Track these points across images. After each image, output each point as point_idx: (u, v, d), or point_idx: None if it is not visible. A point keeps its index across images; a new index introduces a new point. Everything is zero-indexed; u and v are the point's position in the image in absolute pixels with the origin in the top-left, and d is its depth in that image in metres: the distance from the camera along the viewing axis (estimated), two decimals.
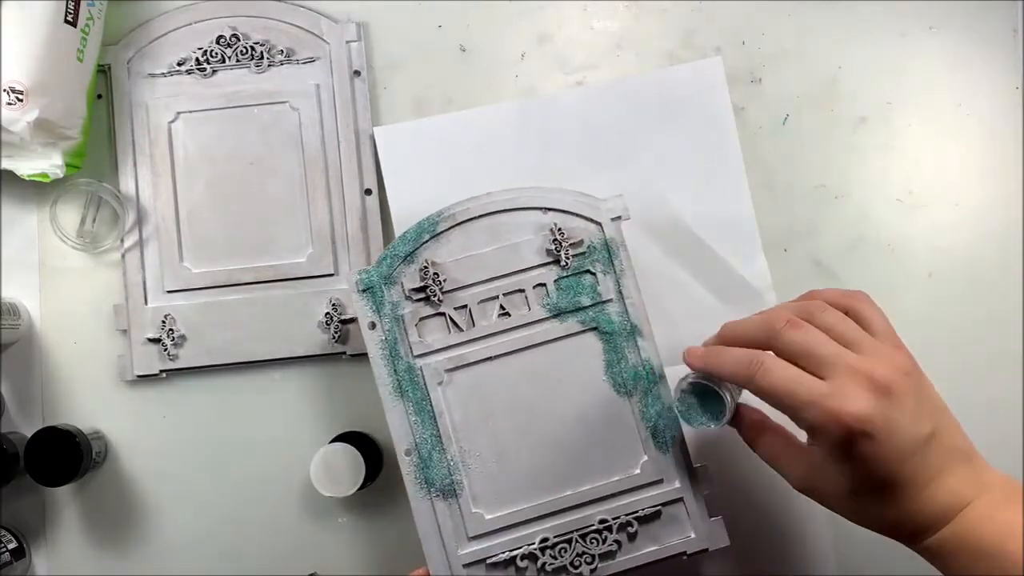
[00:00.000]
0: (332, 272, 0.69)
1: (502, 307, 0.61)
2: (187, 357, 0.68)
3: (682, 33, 0.72)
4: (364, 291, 0.62)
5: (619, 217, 0.62)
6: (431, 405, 0.60)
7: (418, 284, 0.61)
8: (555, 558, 0.59)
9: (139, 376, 0.68)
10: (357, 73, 0.71)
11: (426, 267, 0.62)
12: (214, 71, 0.71)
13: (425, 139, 0.70)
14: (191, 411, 0.69)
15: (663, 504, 0.59)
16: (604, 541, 0.59)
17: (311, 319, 0.68)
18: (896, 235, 0.70)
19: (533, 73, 0.72)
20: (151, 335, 0.68)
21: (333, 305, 0.68)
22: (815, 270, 0.70)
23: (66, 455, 0.63)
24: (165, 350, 0.68)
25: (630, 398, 0.60)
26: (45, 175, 0.67)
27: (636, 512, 0.59)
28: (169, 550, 0.68)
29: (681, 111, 0.70)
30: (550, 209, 0.62)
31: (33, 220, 0.70)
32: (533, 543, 0.59)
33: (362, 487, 0.63)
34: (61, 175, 0.67)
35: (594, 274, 0.61)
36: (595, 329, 0.61)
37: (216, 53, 0.70)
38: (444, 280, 0.61)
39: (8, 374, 0.69)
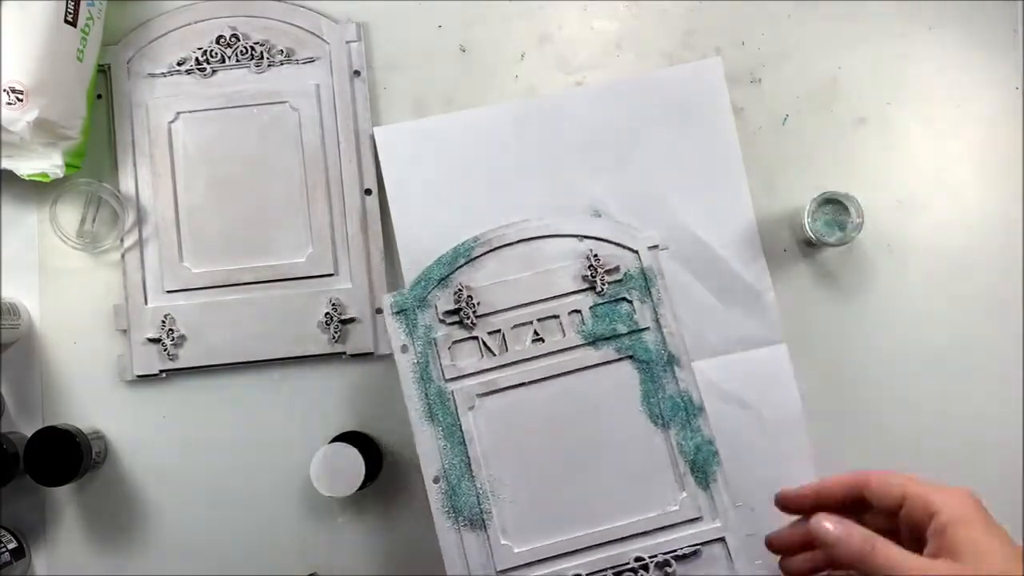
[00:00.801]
0: (332, 272, 0.69)
1: (536, 332, 0.61)
2: (187, 357, 0.68)
3: (682, 33, 0.72)
4: (398, 313, 0.62)
5: (656, 246, 0.61)
6: (461, 430, 0.60)
7: (452, 307, 0.61)
8: None
9: (139, 376, 0.68)
10: (357, 73, 0.71)
11: (460, 290, 0.61)
12: (214, 71, 0.71)
13: (425, 139, 0.70)
14: (191, 411, 0.69)
15: (703, 543, 0.57)
16: None
17: (311, 319, 0.68)
18: (896, 235, 0.70)
19: (533, 73, 0.72)
20: (151, 335, 0.68)
21: (333, 305, 0.68)
22: (815, 271, 0.70)
23: (66, 455, 0.63)
24: (165, 350, 0.68)
25: (667, 430, 0.59)
26: (45, 175, 0.67)
27: (674, 551, 0.57)
28: (169, 550, 0.68)
29: (681, 111, 0.70)
30: (586, 237, 0.62)
31: (33, 220, 0.70)
32: None
33: (362, 487, 0.63)
34: (61, 175, 0.67)
35: (630, 302, 0.61)
36: (631, 357, 0.60)
37: (216, 53, 0.70)
38: (478, 304, 0.61)
39: (8, 374, 0.69)
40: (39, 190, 0.70)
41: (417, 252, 0.69)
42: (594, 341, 0.60)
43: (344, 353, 0.68)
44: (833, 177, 0.70)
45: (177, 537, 0.68)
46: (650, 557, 0.57)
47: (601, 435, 0.59)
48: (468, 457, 0.59)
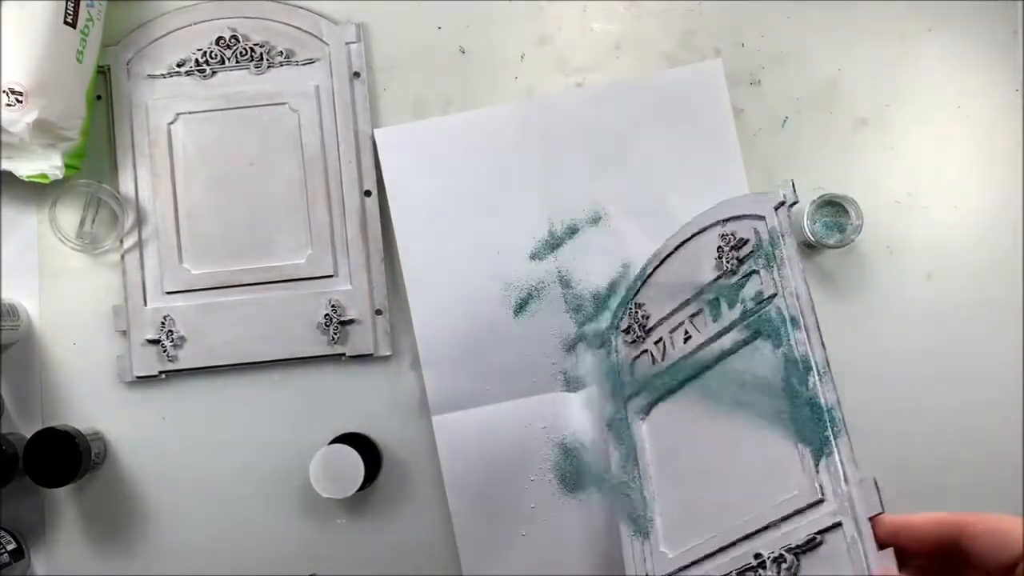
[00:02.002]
0: (331, 273, 0.69)
1: (686, 332, 0.59)
2: (186, 358, 0.68)
3: (681, 34, 0.72)
4: (601, 347, 0.64)
5: (783, 203, 0.53)
6: (635, 444, 0.61)
7: (626, 325, 0.63)
8: None
9: (138, 377, 0.68)
10: (357, 74, 0.71)
11: (632, 308, 0.63)
12: (214, 72, 0.71)
13: (425, 141, 0.70)
14: (190, 412, 0.69)
15: (820, 531, 0.46)
16: None
17: (310, 320, 0.68)
18: (895, 236, 0.70)
19: (533, 74, 0.72)
20: (150, 336, 0.68)
21: (332, 306, 0.68)
22: (815, 272, 0.70)
23: (65, 456, 0.62)
24: (164, 351, 0.68)
25: (794, 404, 0.50)
26: (45, 176, 0.67)
27: (789, 544, 0.47)
28: (168, 551, 0.68)
29: (681, 113, 0.70)
30: (727, 220, 0.57)
31: (33, 221, 0.70)
32: None
33: (361, 488, 0.63)
34: (61, 176, 0.67)
35: (758, 272, 0.54)
36: (759, 333, 0.53)
37: (216, 54, 0.70)
38: (647, 317, 0.62)
39: (8, 375, 0.69)
40: (39, 191, 0.70)
41: (417, 254, 0.69)
42: (729, 326, 0.55)
43: (343, 354, 0.68)
44: (833, 178, 0.70)
45: (176, 538, 0.68)
46: (769, 554, 0.48)
47: (739, 426, 0.53)
48: (640, 470, 0.59)
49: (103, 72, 0.71)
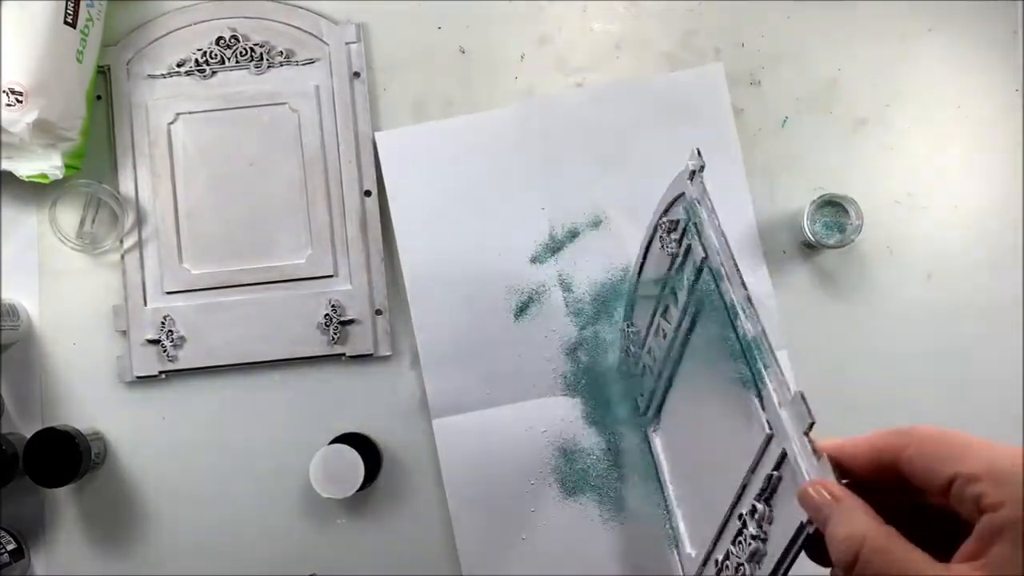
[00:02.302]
0: (331, 274, 0.69)
1: (663, 330, 0.58)
2: (186, 358, 0.68)
3: (681, 35, 0.72)
4: (630, 378, 0.66)
5: (693, 172, 0.52)
6: (654, 462, 0.61)
7: (624, 348, 0.65)
8: None
9: (138, 377, 0.68)
10: (357, 74, 0.71)
11: (625, 329, 0.64)
12: (214, 72, 0.71)
13: (426, 143, 0.70)
14: (190, 412, 0.69)
15: (775, 468, 0.42)
16: (746, 541, 0.45)
17: (310, 320, 0.68)
18: (895, 236, 0.70)
19: (533, 74, 0.72)
20: (150, 336, 0.68)
21: (332, 306, 0.68)
22: (815, 273, 0.70)
23: (65, 456, 0.62)
24: (164, 351, 0.68)
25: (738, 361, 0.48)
26: (45, 176, 0.67)
27: (756, 492, 0.44)
28: (168, 551, 0.68)
29: (682, 115, 0.70)
30: (666, 211, 0.56)
31: (33, 221, 0.70)
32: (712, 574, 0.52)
33: (361, 488, 0.63)
34: (60, 176, 0.67)
35: (691, 246, 0.53)
36: (703, 303, 0.52)
37: (216, 54, 0.70)
38: (637, 333, 0.63)
39: (8, 375, 0.69)
40: (39, 191, 0.70)
41: (417, 255, 0.69)
42: (684, 307, 0.54)
43: (343, 354, 0.68)
44: (833, 179, 0.70)
45: (176, 538, 0.68)
46: (748, 512, 0.45)
47: (719, 403, 0.50)
48: (660, 483, 0.60)
49: (103, 72, 0.71)
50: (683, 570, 0.56)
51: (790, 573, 0.40)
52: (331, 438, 0.67)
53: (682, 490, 0.57)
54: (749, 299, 0.47)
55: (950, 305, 0.70)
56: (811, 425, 0.39)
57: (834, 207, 0.67)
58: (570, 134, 0.70)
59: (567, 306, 0.69)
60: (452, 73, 0.72)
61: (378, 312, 0.69)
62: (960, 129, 0.71)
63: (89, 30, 0.67)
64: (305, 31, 0.71)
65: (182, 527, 0.68)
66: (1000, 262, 0.70)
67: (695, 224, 0.52)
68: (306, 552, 0.68)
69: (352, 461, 0.63)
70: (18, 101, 0.62)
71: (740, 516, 0.46)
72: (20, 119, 0.63)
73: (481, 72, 0.72)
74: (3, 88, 0.62)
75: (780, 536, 0.40)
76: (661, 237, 0.56)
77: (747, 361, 0.46)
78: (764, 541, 0.42)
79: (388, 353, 0.69)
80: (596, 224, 0.69)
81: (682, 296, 0.54)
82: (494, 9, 0.72)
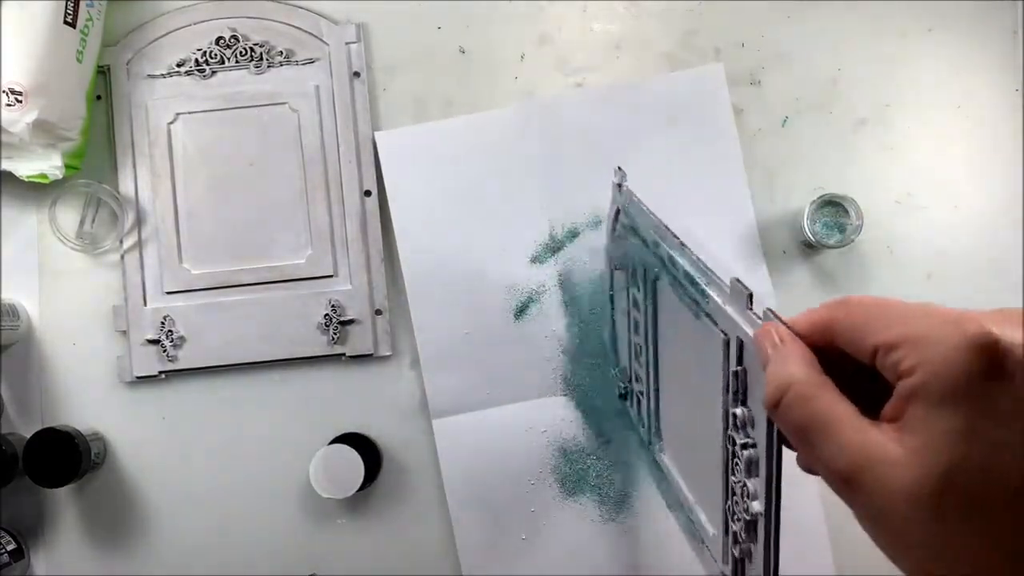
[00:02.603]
0: (331, 274, 0.69)
1: (636, 345, 0.61)
2: (186, 358, 0.68)
3: (681, 34, 0.72)
4: (629, 402, 0.66)
5: (619, 184, 0.58)
6: (668, 478, 0.60)
7: (622, 390, 0.67)
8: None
9: (138, 377, 0.68)
10: (357, 74, 0.71)
11: (614, 373, 0.67)
12: (213, 72, 0.71)
13: (426, 143, 0.70)
14: (190, 412, 0.69)
15: (737, 364, 0.42)
16: (740, 458, 0.43)
17: (310, 320, 0.68)
18: (895, 236, 0.70)
19: (533, 74, 0.72)
20: (150, 336, 0.68)
21: (332, 306, 0.68)
22: (815, 273, 0.70)
23: (65, 456, 0.62)
24: (164, 351, 0.68)
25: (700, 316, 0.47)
26: (44, 176, 0.67)
27: (732, 395, 0.43)
28: (168, 551, 0.68)
29: (682, 115, 0.70)
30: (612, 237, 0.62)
31: (32, 221, 0.70)
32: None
33: (361, 488, 0.63)
34: (60, 176, 0.67)
35: (633, 243, 0.58)
36: (656, 289, 0.54)
37: (215, 54, 0.70)
38: (623, 370, 0.65)
39: (7, 375, 0.69)
40: (38, 191, 0.70)
41: (417, 255, 0.69)
42: (640, 289, 0.57)
43: (343, 354, 0.68)
44: (832, 178, 0.70)
45: (176, 538, 0.68)
46: (732, 424, 0.43)
47: (697, 378, 0.49)
48: (681, 491, 0.58)
49: (103, 72, 0.71)
50: (712, 555, 0.53)
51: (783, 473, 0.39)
52: (331, 438, 0.67)
53: (694, 484, 0.57)
54: (682, 244, 0.49)
55: (950, 305, 0.69)
56: (750, 297, 0.40)
57: (834, 207, 0.67)
58: (570, 134, 0.70)
59: (567, 306, 0.69)
60: (452, 73, 0.72)
61: (378, 312, 0.69)
62: (960, 129, 0.71)
63: (89, 30, 0.67)
64: (305, 31, 0.71)
65: (182, 527, 0.68)
66: (1000, 262, 0.70)
67: (631, 226, 0.56)
68: (306, 552, 0.68)
69: (352, 461, 0.63)
70: (18, 101, 0.62)
71: (730, 439, 0.44)
72: (20, 119, 0.63)
73: (481, 72, 0.72)
74: (3, 88, 0.62)
75: (763, 431, 0.40)
76: (613, 260, 0.61)
77: (696, 298, 0.47)
78: (754, 446, 0.41)
79: (388, 353, 0.69)
80: (596, 224, 0.69)
81: (640, 296, 0.57)
82: (494, 9, 0.72)
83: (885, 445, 0.30)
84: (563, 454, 0.68)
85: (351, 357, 0.69)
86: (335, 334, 0.68)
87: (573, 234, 0.69)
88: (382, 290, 0.69)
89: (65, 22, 0.64)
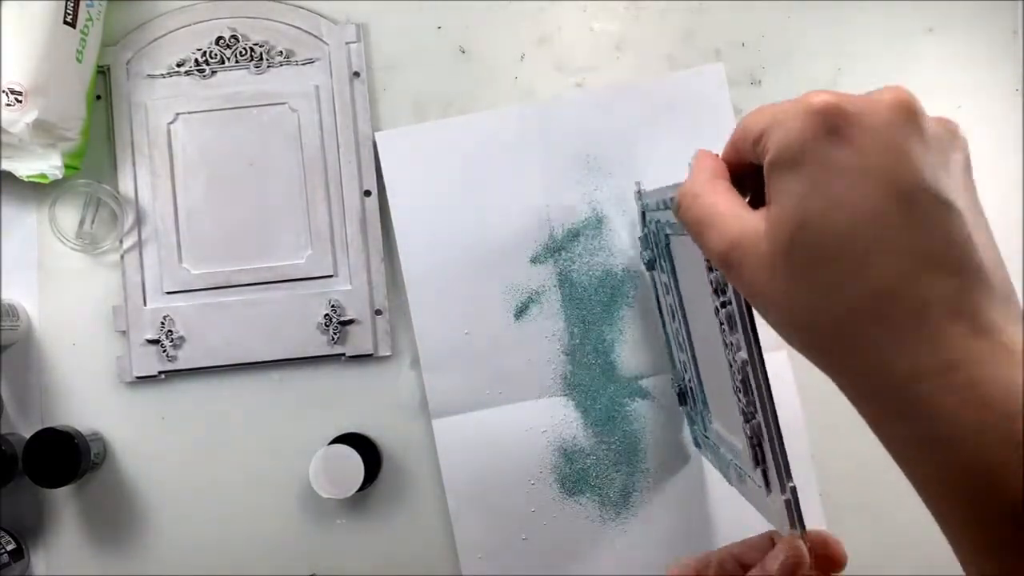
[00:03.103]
0: (331, 274, 0.69)
1: (676, 339, 0.63)
2: (186, 358, 0.68)
3: (682, 34, 0.72)
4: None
5: (637, 191, 0.65)
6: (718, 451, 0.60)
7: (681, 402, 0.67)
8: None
9: (138, 377, 0.68)
10: (356, 74, 0.71)
11: (672, 379, 0.68)
12: (213, 72, 0.71)
13: (426, 143, 0.70)
14: (190, 412, 0.69)
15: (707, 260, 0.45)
16: (725, 319, 0.45)
17: (310, 320, 0.68)
18: None
19: (533, 74, 0.72)
20: (150, 336, 0.68)
21: (332, 306, 0.68)
22: None
23: (65, 456, 0.62)
24: (164, 351, 0.68)
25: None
26: (44, 176, 0.67)
27: (716, 304, 0.45)
28: (168, 551, 0.68)
29: (682, 115, 0.70)
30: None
31: (32, 221, 0.70)
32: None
33: (361, 489, 0.63)
34: (60, 176, 0.67)
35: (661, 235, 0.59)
36: (668, 245, 0.58)
37: (215, 54, 0.70)
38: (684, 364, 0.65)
39: (7, 375, 0.69)
40: (38, 191, 0.70)
41: (417, 255, 0.69)
42: (645, 260, 0.65)
43: (343, 355, 0.68)
44: None
45: (176, 538, 0.68)
46: (719, 323, 0.46)
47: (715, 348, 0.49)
48: (731, 456, 0.54)
49: (103, 72, 0.71)
50: (765, 499, 0.48)
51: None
52: (331, 438, 0.67)
53: (732, 424, 0.53)
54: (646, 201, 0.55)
55: None
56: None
57: None
58: (570, 134, 0.70)
59: (567, 307, 0.69)
60: (452, 73, 0.72)
61: (378, 312, 0.69)
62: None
63: (89, 30, 0.67)
64: (305, 31, 0.71)
65: (182, 527, 0.68)
66: None
67: (656, 222, 0.58)
68: (306, 552, 0.68)
69: (352, 461, 0.63)
70: (18, 101, 0.62)
71: (715, 309, 0.45)
72: (20, 119, 0.63)
73: (481, 72, 0.72)
74: (3, 88, 0.62)
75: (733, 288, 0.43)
76: (646, 262, 0.66)
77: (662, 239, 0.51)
78: (730, 303, 0.43)
79: (388, 353, 0.69)
80: (596, 224, 0.69)
81: (666, 276, 0.59)
82: (494, 9, 0.72)
83: (754, 223, 0.33)
84: (563, 454, 0.68)
85: (351, 357, 0.69)
86: (335, 334, 0.68)
87: (573, 234, 0.69)
88: (382, 290, 0.69)
89: (65, 22, 0.64)
